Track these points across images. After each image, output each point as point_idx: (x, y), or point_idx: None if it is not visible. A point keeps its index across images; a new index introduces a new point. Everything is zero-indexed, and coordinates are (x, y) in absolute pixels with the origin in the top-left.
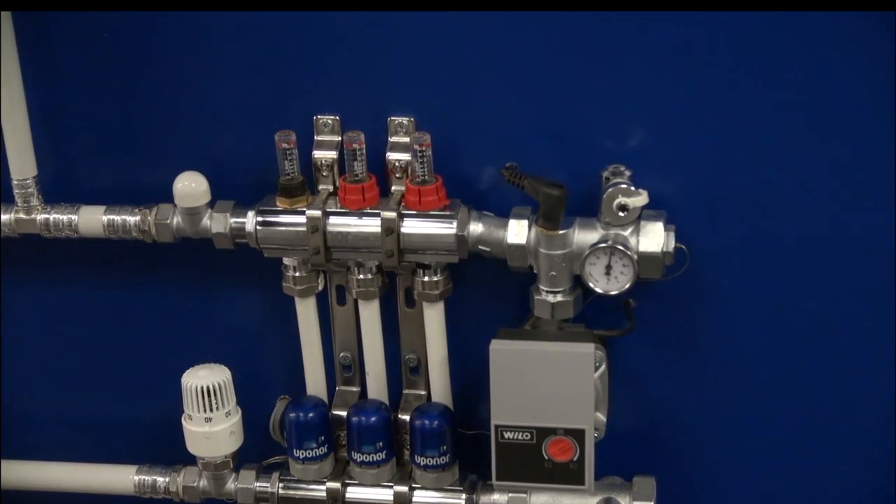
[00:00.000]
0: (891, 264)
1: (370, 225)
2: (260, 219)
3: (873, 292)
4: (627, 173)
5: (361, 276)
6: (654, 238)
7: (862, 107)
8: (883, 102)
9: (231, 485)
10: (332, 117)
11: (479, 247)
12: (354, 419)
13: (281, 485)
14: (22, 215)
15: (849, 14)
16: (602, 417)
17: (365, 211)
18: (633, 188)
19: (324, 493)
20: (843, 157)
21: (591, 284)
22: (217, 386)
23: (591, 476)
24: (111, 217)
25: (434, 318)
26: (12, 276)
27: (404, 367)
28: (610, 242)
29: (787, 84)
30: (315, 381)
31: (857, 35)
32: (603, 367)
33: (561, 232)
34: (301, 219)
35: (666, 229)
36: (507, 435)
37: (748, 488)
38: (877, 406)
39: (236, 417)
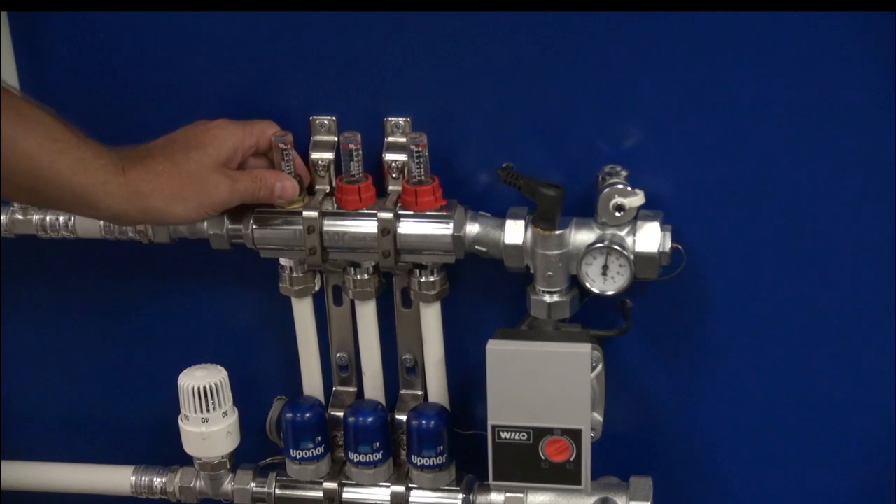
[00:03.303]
0: (891, 263)
1: (367, 225)
2: (256, 219)
3: (872, 291)
4: (624, 173)
5: (358, 277)
6: (650, 238)
7: (861, 107)
8: (883, 102)
9: (228, 485)
10: (329, 118)
11: (476, 247)
12: (351, 419)
13: (278, 485)
14: (18, 216)
15: (849, 14)
16: (598, 417)
17: (361, 211)
18: (629, 188)
19: (321, 494)
20: (842, 157)
21: (588, 284)
22: (214, 386)
23: (587, 476)
24: None
25: (431, 319)
26: (9, 276)
27: (401, 367)
28: (606, 242)
29: (784, 84)
30: (312, 382)
31: (857, 35)
32: (599, 367)
33: (557, 232)
34: (298, 219)
35: (662, 229)
36: (504, 435)
37: (746, 488)
38: (876, 405)
39: (233, 418)
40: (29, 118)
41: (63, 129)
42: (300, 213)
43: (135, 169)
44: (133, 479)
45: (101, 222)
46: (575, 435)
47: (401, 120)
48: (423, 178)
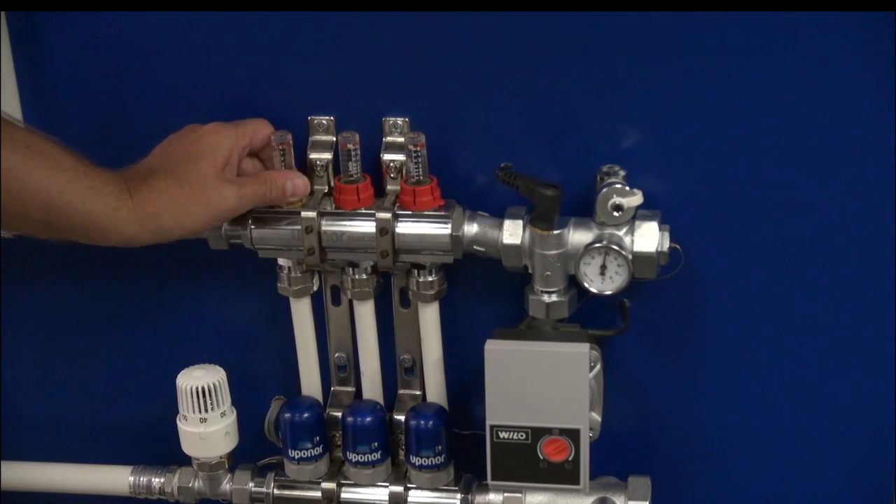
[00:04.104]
0: (890, 262)
1: (365, 225)
2: (255, 219)
3: (871, 290)
4: (622, 173)
5: (356, 277)
6: (648, 238)
7: (861, 107)
8: (883, 102)
9: (226, 485)
10: (327, 118)
11: (474, 247)
12: (349, 419)
13: (276, 485)
14: None
15: (849, 14)
16: (597, 417)
17: (360, 211)
18: (627, 188)
19: (319, 494)
20: (841, 157)
21: (586, 284)
22: (212, 386)
23: (586, 476)
24: None
25: (429, 319)
26: (7, 276)
27: (399, 367)
28: (605, 242)
29: (783, 83)
30: (310, 382)
31: (856, 35)
32: (598, 366)
33: (556, 232)
34: (296, 219)
35: (660, 229)
36: (502, 435)
37: (744, 487)
38: (876, 406)
39: (231, 418)
40: (36, 150)
41: (69, 157)
42: (298, 214)
43: (139, 191)
44: (131, 479)
45: None
46: (573, 435)
47: (399, 120)
48: (421, 177)
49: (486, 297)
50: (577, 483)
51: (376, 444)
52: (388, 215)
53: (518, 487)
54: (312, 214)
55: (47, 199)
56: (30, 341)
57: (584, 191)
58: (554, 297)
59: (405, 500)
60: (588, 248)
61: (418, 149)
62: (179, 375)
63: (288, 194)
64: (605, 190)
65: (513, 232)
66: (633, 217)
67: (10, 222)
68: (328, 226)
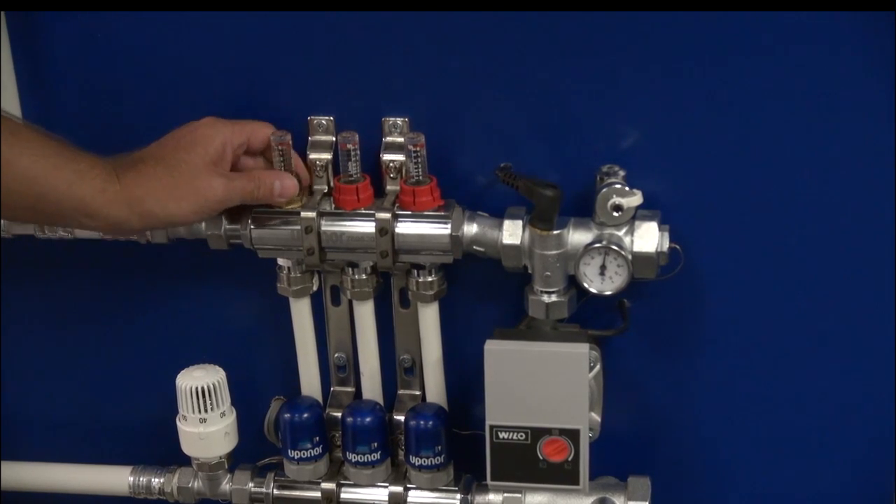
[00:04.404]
0: (890, 262)
1: (365, 225)
2: (254, 219)
3: (871, 290)
4: (622, 173)
5: (356, 277)
6: (648, 238)
7: (860, 107)
8: (883, 102)
9: (226, 486)
10: (327, 118)
11: (474, 247)
12: (349, 420)
13: (276, 485)
14: None
15: (848, 14)
16: (597, 417)
17: (359, 211)
18: (627, 188)
19: (319, 494)
20: (840, 157)
21: (586, 284)
22: (211, 387)
23: (585, 476)
24: None
25: (429, 319)
26: (7, 277)
27: (399, 367)
28: (604, 242)
29: (783, 83)
30: (309, 382)
31: (856, 35)
32: (597, 367)
33: (555, 232)
34: (295, 219)
35: (660, 229)
36: (502, 435)
37: (744, 488)
38: (875, 406)
39: (231, 418)
40: (21, 137)
41: (55, 144)
42: (298, 214)
43: (127, 175)
44: (131, 479)
45: None
46: (573, 435)
47: (399, 120)
48: (420, 178)
49: (486, 297)
50: (577, 483)
51: (376, 444)
52: (387, 215)
53: (518, 488)
54: (312, 214)
55: (33, 186)
56: (30, 341)
57: (584, 191)
58: (554, 298)
59: (405, 501)
60: (588, 248)
61: (418, 149)
62: (179, 375)
63: (276, 194)
64: (604, 190)
65: (512, 232)
66: (633, 217)
67: (1, 211)
68: (328, 226)
